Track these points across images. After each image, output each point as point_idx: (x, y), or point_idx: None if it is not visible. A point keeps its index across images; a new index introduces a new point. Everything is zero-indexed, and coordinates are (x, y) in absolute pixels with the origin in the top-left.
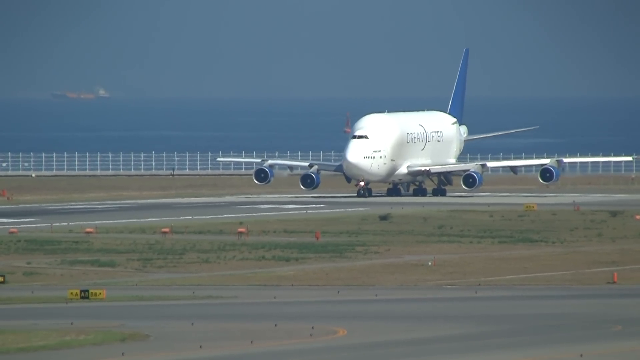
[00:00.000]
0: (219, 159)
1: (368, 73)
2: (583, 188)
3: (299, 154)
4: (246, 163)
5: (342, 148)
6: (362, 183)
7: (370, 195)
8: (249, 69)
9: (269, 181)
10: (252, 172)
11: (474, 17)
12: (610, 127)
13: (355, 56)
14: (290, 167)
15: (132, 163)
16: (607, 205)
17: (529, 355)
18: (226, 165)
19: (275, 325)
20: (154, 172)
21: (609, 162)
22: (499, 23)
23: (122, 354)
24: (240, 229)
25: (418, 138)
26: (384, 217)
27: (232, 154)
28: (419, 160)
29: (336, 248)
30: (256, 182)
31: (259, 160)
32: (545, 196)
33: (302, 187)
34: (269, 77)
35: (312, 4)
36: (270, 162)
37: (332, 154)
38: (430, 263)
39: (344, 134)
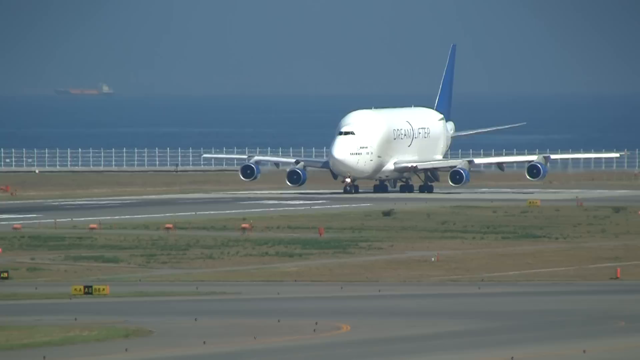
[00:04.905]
0: (204, 156)
1: (364, 70)
2: (586, 184)
3: (302, 150)
4: (230, 159)
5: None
6: (348, 179)
7: (357, 191)
8: (251, 66)
9: (256, 177)
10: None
11: (471, 12)
12: (610, 123)
13: (352, 53)
14: (277, 164)
15: (136, 159)
16: (610, 201)
17: (532, 351)
18: (229, 161)
19: (279, 321)
20: (157, 168)
21: (600, 158)
22: (497, 19)
23: (126, 349)
24: (243, 225)
25: (405, 134)
26: (387, 213)
27: (235, 150)
28: (406, 157)
29: (339, 244)
30: (242, 178)
31: (246, 156)
32: (548, 192)
33: (288, 183)
34: (271, 74)
35: (316, 4)
36: (256, 158)
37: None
38: (433, 259)
39: None
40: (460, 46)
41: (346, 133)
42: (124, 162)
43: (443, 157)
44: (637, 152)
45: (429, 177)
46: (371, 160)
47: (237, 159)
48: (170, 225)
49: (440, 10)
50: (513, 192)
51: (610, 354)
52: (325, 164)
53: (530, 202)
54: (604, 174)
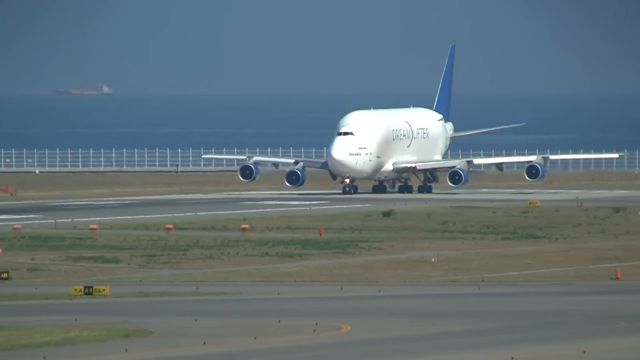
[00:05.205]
0: (204, 156)
1: (363, 70)
2: (586, 184)
3: (302, 150)
4: (230, 160)
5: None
6: (347, 180)
7: (356, 192)
8: (251, 66)
9: (255, 178)
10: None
11: (473, 12)
12: (612, 124)
13: (351, 53)
14: (276, 164)
15: (136, 160)
16: (610, 201)
17: (532, 351)
18: (229, 162)
19: (279, 321)
20: (157, 168)
21: (600, 158)
22: (499, 19)
23: (126, 350)
24: (243, 225)
25: (404, 135)
26: (387, 214)
27: (235, 150)
28: (405, 157)
29: (339, 244)
30: (241, 179)
31: (245, 157)
32: (548, 192)
33: (287, 183)
34: (270, 74)
35: (316, 3)
36: (255, 158)
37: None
38: (433, 259)
39: None
40: (462, 46)
41: (345, 133)
42: (124, 163)
43: (442, 158)
44: (637, 152)
45: (428, 178)
46: (370, 160)
47: (237, 160)
48: (170, 226)
49: (440, 10)
50: (513, 193)
51: (610, 354)
52: (325, 165)
53: (530, 203)
54: (604, 174)
